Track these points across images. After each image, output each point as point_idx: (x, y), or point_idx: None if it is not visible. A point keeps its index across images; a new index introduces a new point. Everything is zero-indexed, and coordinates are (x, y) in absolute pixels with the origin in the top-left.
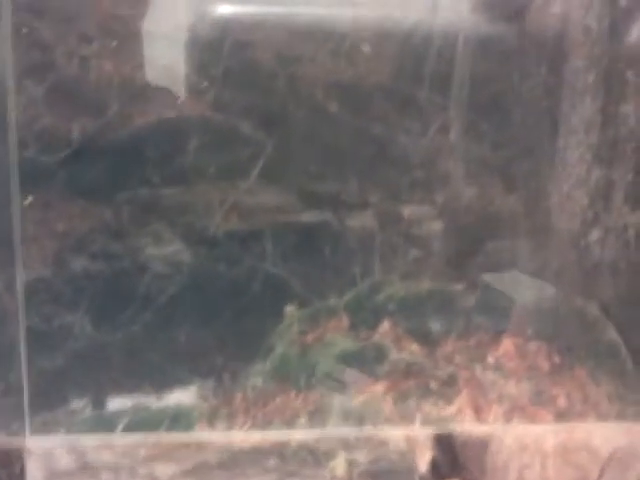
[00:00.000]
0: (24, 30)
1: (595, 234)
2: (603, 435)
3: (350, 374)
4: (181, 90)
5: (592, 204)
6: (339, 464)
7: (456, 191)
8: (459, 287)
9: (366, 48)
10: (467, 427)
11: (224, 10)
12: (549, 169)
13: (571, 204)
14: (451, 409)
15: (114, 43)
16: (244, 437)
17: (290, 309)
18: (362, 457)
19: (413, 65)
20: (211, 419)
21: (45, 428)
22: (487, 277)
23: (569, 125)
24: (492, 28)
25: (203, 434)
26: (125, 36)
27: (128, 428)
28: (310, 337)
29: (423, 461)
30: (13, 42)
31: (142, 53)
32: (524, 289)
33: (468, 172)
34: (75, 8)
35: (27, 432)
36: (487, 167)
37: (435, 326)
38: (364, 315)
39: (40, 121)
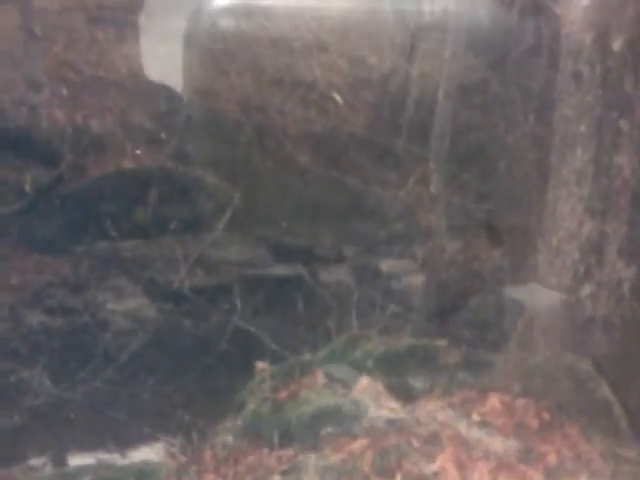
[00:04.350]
0: None
1: (587, 289)
2: None
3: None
4: (140, 140)
5: (584, 258)
6: None
7: (438, 245)
8: (442, 343)
9: (337, 96)
10: None
11: (184, 56)
12: (537, 222)
13: (561, 258)
14: (433, 467)
15: (65, 91)
16: None
17: (261, 365)
18: None
19: (389, 114)
20: (179, 477)
21: None
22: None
23: (559, 176)
24: (475, 75)
25: None
26: (77, 83)
27: None
28: (283, 394)
29: None
30: None
31: (95, 101)
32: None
33: (451, 225)
34: (22, 53)
35: None
36: (471, 220)
37: (417, 383)
38: (341, 371)
39: None
